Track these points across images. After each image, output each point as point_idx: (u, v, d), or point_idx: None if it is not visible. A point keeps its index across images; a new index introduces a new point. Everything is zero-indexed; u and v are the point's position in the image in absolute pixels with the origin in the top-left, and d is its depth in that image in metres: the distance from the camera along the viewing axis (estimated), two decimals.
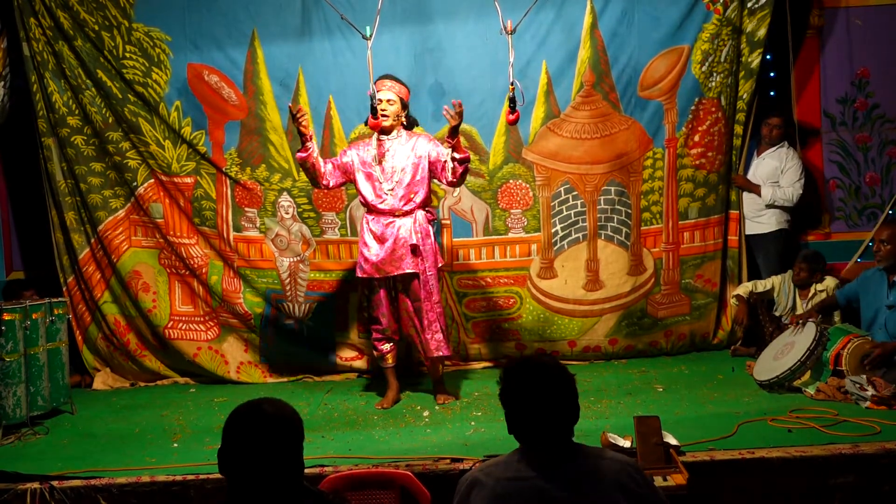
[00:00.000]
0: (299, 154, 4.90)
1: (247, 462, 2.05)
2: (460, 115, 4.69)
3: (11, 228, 6.37)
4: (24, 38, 5.70)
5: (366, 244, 4.95)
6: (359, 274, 5.00)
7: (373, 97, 4.84)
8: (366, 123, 5.06)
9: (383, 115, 4.88)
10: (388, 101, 4.91)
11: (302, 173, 5.76)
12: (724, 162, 5.93)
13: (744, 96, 5.87)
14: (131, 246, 5.96)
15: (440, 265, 5.06)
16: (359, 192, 5.02)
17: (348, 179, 5.04)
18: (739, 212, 6.02)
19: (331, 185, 5.03)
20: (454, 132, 4.73)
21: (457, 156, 4.76)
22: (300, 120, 4.77)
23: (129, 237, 5.96)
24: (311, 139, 4.87)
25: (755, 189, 5.95)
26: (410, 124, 5.09)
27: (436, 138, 5.16)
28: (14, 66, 5.85)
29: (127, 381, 6.07)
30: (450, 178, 4.85)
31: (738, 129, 5.93)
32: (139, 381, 6.06)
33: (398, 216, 4.92)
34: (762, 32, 5.75)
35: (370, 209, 4.98)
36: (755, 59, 5.80)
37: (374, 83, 4.86)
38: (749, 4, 5.73)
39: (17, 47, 5.76)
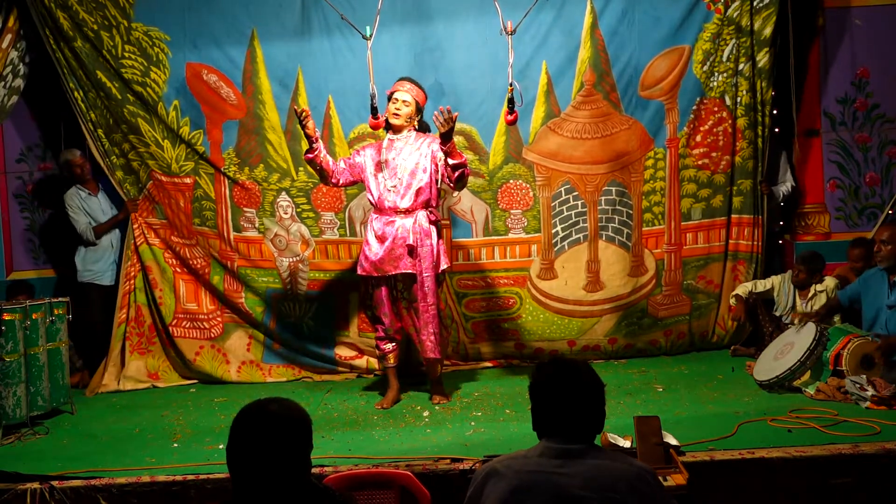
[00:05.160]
0: (307, 155, 4.90)
1: (250, 461, 2.07)
2: (449, 121, 4.60)
3: (10, 228, 6.36)
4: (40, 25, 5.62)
5: (367, 242, 4.97)
6: (358, 272, 5.05)
7: (373, 97, 4.85)
8: (370, 123, 5.06)
9: (395, 114, 4.90)
10: (404, 101, 4.93)
11: (301, 173, 5.78)
12: (731, 163, 5.90)
13: (758, 96, 5.80)
14: (145, 241, 5.97)
15: (444, 267, 5.01)
16: (368, 191, 5.04)
17: (358, 179, 5.05)
18: (762, 216, 5.92)
19: (340, 182, 5.04)
20: (446, 138, 4.67)
21: (451, 161, 4.74)
22: (305, 122, 4.75)
23: (143, 232, 5.97)
24: (317, 140, 4.87)
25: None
26: (422, 129, 5.07)
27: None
28: (14, 65, 5.84)
29: (128, 381, 6.05)
30: (447, 182, 4.91)
31: (757, 130, 5.84)
32: (139, 383, 6.04)
33: (400, 215, 4.92)
34: (768, 31, 5.73)
35: (375, 208, 5.00)
36: (763, 58, 5.77)
37: (395, 83, 4.92)
38: (755, 3, 5.72)
39: (17, 47, 5.74)
